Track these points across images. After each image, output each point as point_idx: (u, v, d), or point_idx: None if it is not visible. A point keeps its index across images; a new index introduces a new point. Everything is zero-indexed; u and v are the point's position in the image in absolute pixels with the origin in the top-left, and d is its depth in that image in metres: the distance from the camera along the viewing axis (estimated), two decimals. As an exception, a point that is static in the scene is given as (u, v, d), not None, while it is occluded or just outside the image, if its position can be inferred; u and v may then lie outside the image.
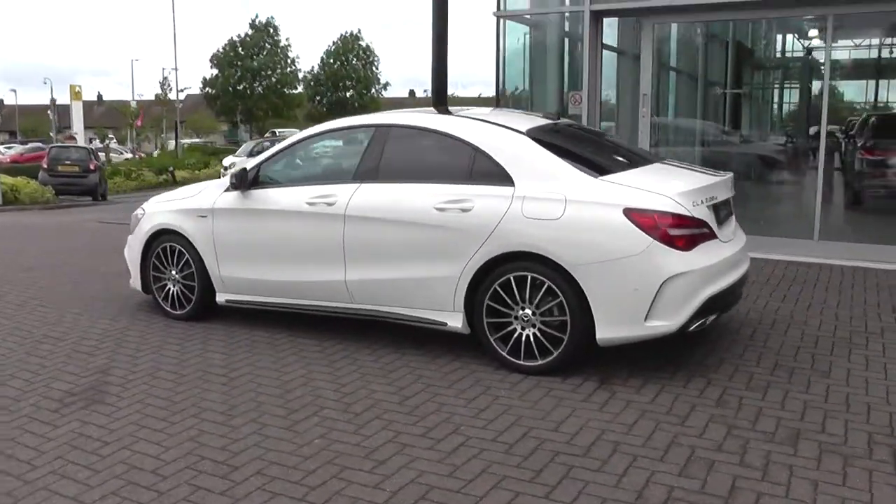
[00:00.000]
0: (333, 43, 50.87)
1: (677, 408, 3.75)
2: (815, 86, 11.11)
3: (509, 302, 4.25)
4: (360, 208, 4.64)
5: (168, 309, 5.61)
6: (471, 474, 3.11)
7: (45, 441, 3.53)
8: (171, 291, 5.58)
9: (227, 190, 5.25)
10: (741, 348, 4.62)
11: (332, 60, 50.06)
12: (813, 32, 10.14)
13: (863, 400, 3.83)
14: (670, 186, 4.14)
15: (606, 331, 4.05)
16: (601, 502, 2.88)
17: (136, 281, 5.81)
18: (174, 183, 25.55)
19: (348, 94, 50.09)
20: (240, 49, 44.76)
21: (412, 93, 68.42)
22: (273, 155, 5.18)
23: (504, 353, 4.30)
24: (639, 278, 3.96)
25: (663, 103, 9.74)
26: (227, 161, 25.08)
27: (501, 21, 8.59)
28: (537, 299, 4.16)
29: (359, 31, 53.14)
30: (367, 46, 50.85)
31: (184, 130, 44.42)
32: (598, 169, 4.30)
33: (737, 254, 4.40)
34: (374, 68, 51.40)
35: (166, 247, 5.54)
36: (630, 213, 3.98)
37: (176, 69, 48.08)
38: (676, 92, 10.63)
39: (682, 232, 3.97)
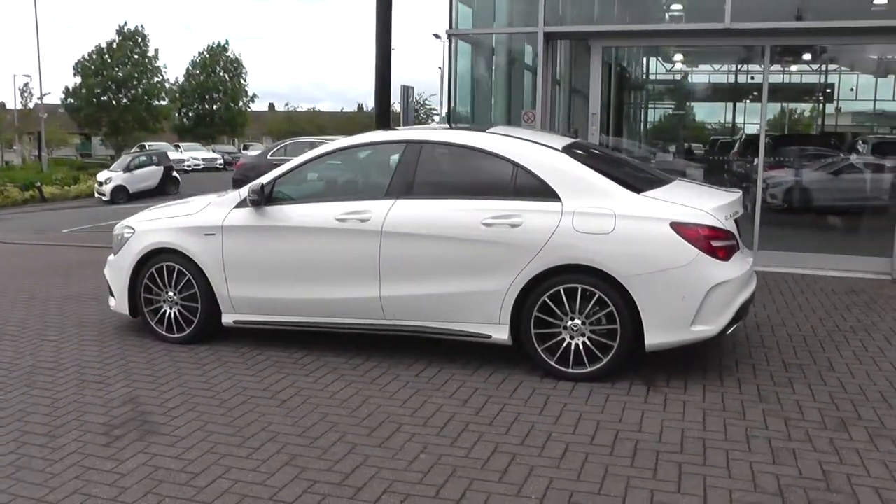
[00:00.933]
0: (200, 54, 48.98)
1: (730, 405, 4.08)
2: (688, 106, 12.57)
3: (558, 313, 4.44)
4: (399, 224, 4.64)
5: (163, 332, 5.27)
6: (597, 477, 3.26)
7: (120, 477, 3.26)
8: (167, 314, 5.26)
9: (237, 206, 5.05)
10: (745, 350, 5.05)
11: (198, 72, 47.99)
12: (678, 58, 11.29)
13: (874, 388, 4.35)
14: (703, 202, 4.51)
15: (655, 337, 4.32)
16: (728, 493, 3.13)
17: (121, 304, 5.41)
18: (43, 200, 23.45)
19: (215, 107, 48.18)
20: (106, 57, 41.87)
21: (272, 106, 67.33)
22: (289, 171, 5.03)
23: (552, 363, 4.46)
24: (686, 287, 4.27)
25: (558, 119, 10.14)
26: (101, 176, 23.44)
27: (453, 40, 8.81)
28: (587, 309, 4.39)
29: (226, 42, 51.53)
30: (236, 58, 49.31)
31: (33, 142, 40.89)
32: (635, 185, 4.59)
33: (751, 265, 4.83)
34: (241, 80, 49.85)
35: (162, 267, 5.22)
36: (677, 226, 4.29)
37: (40, 75, 44.82)
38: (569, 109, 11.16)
39: (721, 244, 4.34)
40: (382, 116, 8.74)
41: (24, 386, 4.40)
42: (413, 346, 4.93)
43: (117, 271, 5.43)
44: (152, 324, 5.31)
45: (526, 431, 3.73)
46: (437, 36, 56.70)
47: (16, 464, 3.39)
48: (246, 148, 44.80)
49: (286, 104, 75.38)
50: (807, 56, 14.14)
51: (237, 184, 16.84)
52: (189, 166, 35.69)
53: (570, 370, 4.44)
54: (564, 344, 4.43)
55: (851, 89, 18.55)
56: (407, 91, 47.01)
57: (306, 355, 4.90)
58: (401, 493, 3.11)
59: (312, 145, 16.86)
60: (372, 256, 4.70)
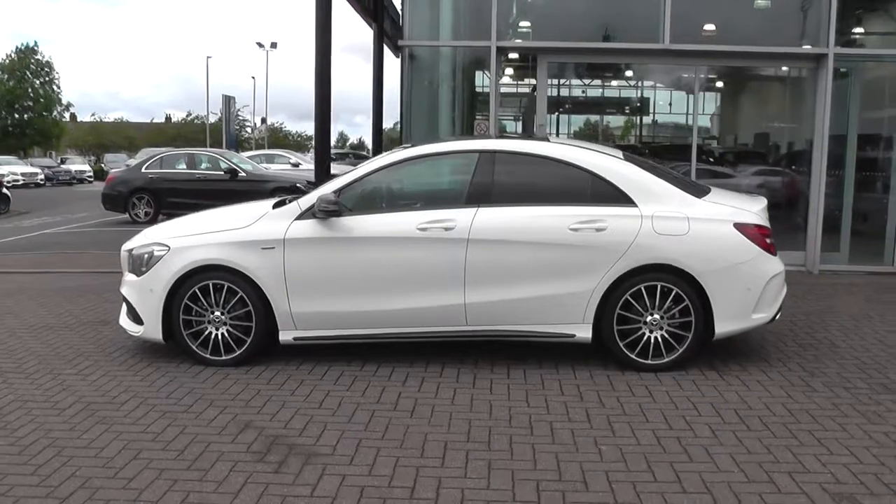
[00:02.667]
0: (7, 56, 43.53)
1: (796, 386, 4.65)
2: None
3: (638, 309, 4.77)
4: (486, 231, 4.72)
5: (206, 356, 4.90)
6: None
7: (332, 500, 3.07)
8: (212, 336, 4.90)
9: (299, 218, 4.85)
10: (759, 337, 5.69)
11: (6, 76, 42.61)
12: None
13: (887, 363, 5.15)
14: (748, 205, 5.05)
15: (723, 326, 4.78)
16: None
17: (152, 329, 4.94)
18: None
19: (26, 116, 43.02)
20: None
21: (73, 116, 61.59)
22: (352, 182, 4.92)
23: (633, 356, 4.79)
24: (750, 280, 4.78)
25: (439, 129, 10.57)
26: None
27: (407, 51, 8.88)
28: (666, 305, 4.76)
29: (35, 44, 46.31)
30: (47, 62, 44.40)
31: None
32: (694, 191, 5.04)
33: None
34: (55, 86, 45.10)
35: (208, 285, 4.86)
36: (739, 226, 4.79)
37: None
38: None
39: (770, 241, 4.92)
40: (323, 132, 8.65)
41: (94, 423, 3.92)
42: (471, 350, 5.05)
43: (146, 293, 4.96)
44: (193, 347, 4.92)
45: (691, 423, 4.02)
46: (260, 45, 55.33)
47: None
48: (63, 162, 40.57)
49: (92, 114, 69.40)
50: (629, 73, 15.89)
51: (108, 199, 15.48)
52: (9, 182, 31.68)
53: (649, 362, 4.78)
54: (644, 338, 4.79)
55: (669, 104, 21.00)
56: (228, 101, 45.50)
57: (369, 365, 4.83)
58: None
59: (192, 157, 15.91)
60: (457, 264, 4.74)
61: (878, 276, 8.20)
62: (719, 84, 11.19)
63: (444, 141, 5.17)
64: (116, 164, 37.69)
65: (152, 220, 14.58)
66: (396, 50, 21.64)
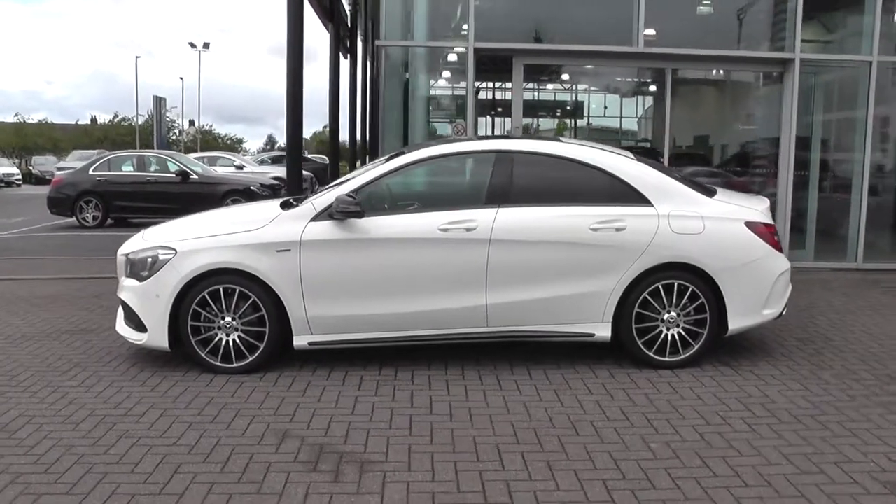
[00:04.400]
0: None
1: (809, 379, 4.81)
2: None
3: (656, 307, 4.83)
4: (508, 231, 4.69)
5: (217, 363, 4.70)
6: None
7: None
8: (223, 342, 4.70)
9: (315, 219, 4.70)
10: (758, 334, 5.83)
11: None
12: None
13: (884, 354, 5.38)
14: (754, 205, 5.19)
15: (736, 322, 4.89)
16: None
17: (158, 336, 4.69)
18: None
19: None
20: None
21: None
22: (369, 182, 4.80)
23: (651, 354, 4.84)
24: (761, 277, 4.90)
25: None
26: None
27: (384, 51, 8.76)
28: (682, 302, 4.84)
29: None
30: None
31: None
32: (704, 190, 5.14)
33: None
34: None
35: (218, 290, 4.66)
36: (750, 225, 4.91)
37: None
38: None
39: (777, 238, 5.06)
40: (294, 137, 8.51)
41: (124, 437, 3.69)
42: (480, 353, 5.02)
43: (150, 299, 4.71)
44: (202, 354, 4.70)
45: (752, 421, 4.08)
46: (192, 45, 53.79)
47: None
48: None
49: (15, 115, 65.82)
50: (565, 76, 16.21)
51: (54, 202, 14.68)
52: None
53: (666, 359, 4.84)
54: (661, 336, 4.85)
55: (605, 107, 21.56)
56: (159, 102, 44.18)
57: (385, 369, 4.73)
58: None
59: (141, 158, 15.26)
60: (479, 265, 4.69)
61: (844, 273, 8.58)
62: (653, 88, 11.44)
63: (459, 141, 5.11)
64: (45, 166, 35.89)
65: (100, 225, 13.95)
66: (346, 51, 21.54)
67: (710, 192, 5.13)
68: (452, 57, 8.99)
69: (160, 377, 4.65)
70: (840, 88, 9.23)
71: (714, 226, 4.85)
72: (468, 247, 4.68)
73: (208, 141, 62.28)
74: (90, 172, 14.35)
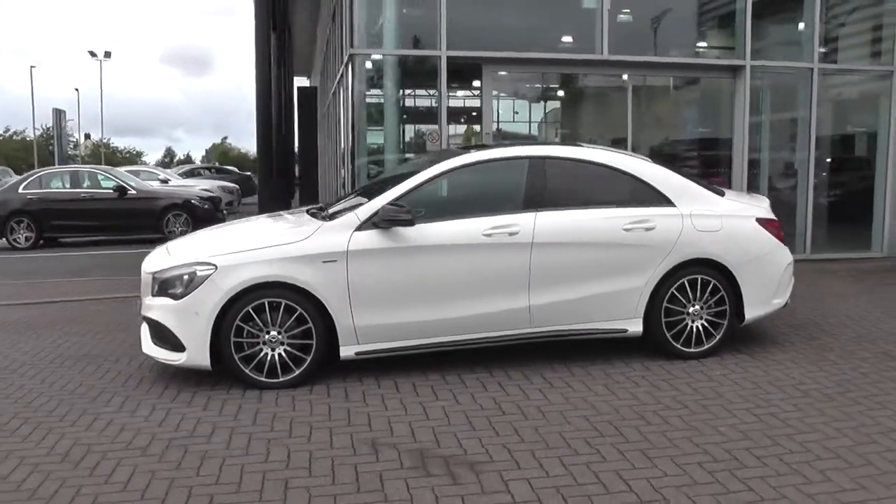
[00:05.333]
0: None
1: (821, 362, 5.21)
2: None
3: (682, 301, 5.11)
4: (548, 234, 4.84)
5: (262, 379, 4.62)
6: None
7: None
8: (268, 357, 4.62)
9: (360, 228, 4.70)
10: (758, 327, 6.19)
11: None
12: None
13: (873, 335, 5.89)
14: (759, 202, 5.59)
15: (751, 312, 5.24)
16: None
17: (198, 355, 4.56)
18: None
19: None
20: None
21: None
22: (410, 190, 4.84)
23: (678, 346, 5.12)
24: (771, 268, 5.29)
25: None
26: None
27: (356, 59, 8.74)
28: (704, 296, 5.14)
29: None
30: None
31: None
32: (716, 190, 5.47)
33: None
34: None
35: (263, 304, 4.58)
36: (760, 221, 5.30)
37: None
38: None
39: (781, 233, 5.46)
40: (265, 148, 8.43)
41: (208, 458, 3.59)
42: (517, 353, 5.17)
43: (189, 317, 4.57)
44: (247, 371, 4.61)
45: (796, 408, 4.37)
46: (92, 53, 51.26)
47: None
48: None
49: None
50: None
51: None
52: None
53: (693, 350, 5.14)
54: (687, 328, 5.14)
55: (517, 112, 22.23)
56: (59, 115, 42.31)
57: (431, 373, 4.80)
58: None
59: (75, 174, 14.43)
60: (522, 267, 4.82)
61: (797, 264, 9.24)
62: (560, 93, 11.85)
63: (491, 147, 5.22)
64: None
65: (34, 246, 13.14)
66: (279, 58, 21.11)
67: (720, 192, 5.48)
68: (424, 64, 9.08)
69: (204, 396, 4.53)
70: (779, 92, 9.96)
71: (729, 223, 5.20)
72: (511, 251, 4.82)
73: (107, 155, 59.39)
74: (20, 191, 13.49)
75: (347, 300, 4.65)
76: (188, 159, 78.95)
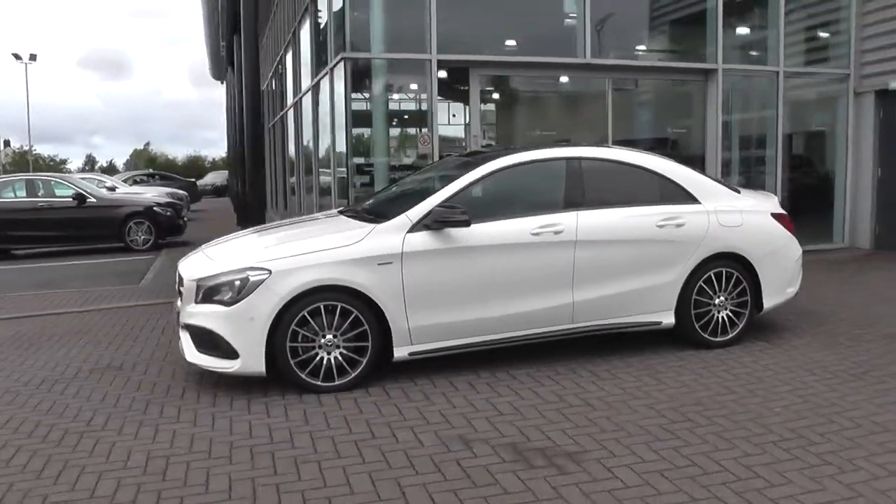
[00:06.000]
0: None
1: (835, 346, 5.57)
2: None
3: (709, 293, 5.38)
4: (590, 232, 5.02)
5: (318, 383, 4.62)
6: None
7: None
8: (324, 361, 4.63)
9: (412, 230, 4.76)
10: (768, 316, 6.45)
11: None
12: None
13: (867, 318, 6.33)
14: (770, 198, 5.92)
15: (769, 301, 5.57)
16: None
17: (253, 361, 4.53)
18: None
19: None
20: None
21: None
22: (459, 191, 4.92)
23: (706, 335, 5.39)
24: (785, 260, 5.63)
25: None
26: None
27: (348, 63, 8.73)
28: (728, 288, 5.43)
29: None
30: None
31: None
32: (732, 188, 5.77)
33: None
34: None
35: (319, 307, 4.58)
36: (775, 216, 5.63)
37: None
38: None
39: (792, 226, 5.81)
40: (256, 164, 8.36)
41: (306, 464, 3.59)
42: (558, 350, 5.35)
43: (243, 323, 4.53)
44: (303, 376, 4.60)
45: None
46: (17, 56, 48.72)
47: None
48: None
49: None
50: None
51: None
52: None
53: (719, 339, 5.42)
54: (714, 319, 5.42)
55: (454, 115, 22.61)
56: None
57: (482, 371, 4.91)
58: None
59: (31, 182, 13.75)
60: (567, 265, 4.99)
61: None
62: (496, 96, 12.14)
63: (528, 149, 5.35)
64: None
65: (-10, 257, 12.49)
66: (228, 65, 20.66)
67: (736, 190, 5.80)
68: (415, 68, 9.15)
69: (260, 403, 4.50)
70: (747, 94, 10.51)
71: (749, 218, 5.51)
72: (557, 249, 4.98)
73: (27, 162, 56.54)
74: (-33, 200, 12.80)
75: (402, 301, 4.71)
76: (112, 167, 76.06)
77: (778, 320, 6.22)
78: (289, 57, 14.86)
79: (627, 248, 5.15)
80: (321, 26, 10.56)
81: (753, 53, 10.28)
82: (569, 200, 5.14)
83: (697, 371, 4.92)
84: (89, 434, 4.10)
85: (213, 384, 4.88)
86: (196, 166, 64.91)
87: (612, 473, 3.37)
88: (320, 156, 11.23)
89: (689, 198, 5.41)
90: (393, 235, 4.75)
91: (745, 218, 5.50)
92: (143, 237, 13.25)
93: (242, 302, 4.55)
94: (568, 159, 5.27)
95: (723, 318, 5.43)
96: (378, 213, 5.18)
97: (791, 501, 3.10)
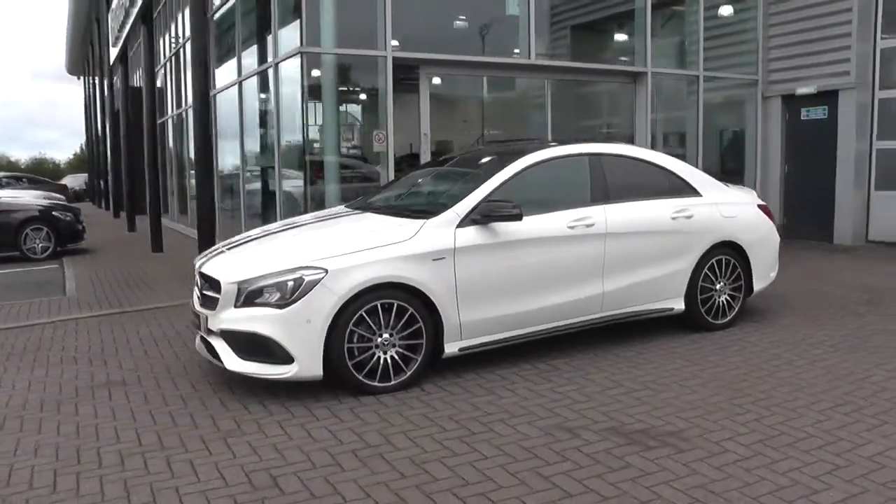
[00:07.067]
0: None
1: (834, 322, 6.15)
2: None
3: (712, 279, 5.78)
4: (618, 225, 5.25)
5: (375, 384, 4.52)
6: None
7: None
8: (380, 361, 4.52)
9: (461, 225, 4.75)
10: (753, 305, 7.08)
11: None
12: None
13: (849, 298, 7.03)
14: (749, 192, 6.43)
15: (758, 285, 6.07)
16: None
17: (311, 365, 4.34)
18: None
19: None
20: None
21: None
22: (498, 187, 4.96)
23: (710, 319, 5.80)
24: (770, 247, 6.16)
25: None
26: None
27: (305, 58, 8.44)
28: (727, 274, 5.86)
29: None
30: None
31: None
32: (723, 182, 6.21)
33: None
34: None
35: (376, 306, 4.46)
36: (760, 207, 6.15)
37: None
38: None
39: (772, 216, 6.33)
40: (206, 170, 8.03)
41: (430, 462, 3.52)
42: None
43: (299, 326, 4.33)
44: (360, 378, 4.48)
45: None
46: None
47: None
48: None
49: None
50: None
51: None
52: None
53: (720, 322, 5.85)
54: (716, 303, 5.83)
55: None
56: None
57: (521, 363, 5.01)
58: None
59: None
60: (598, 256, 5.18)
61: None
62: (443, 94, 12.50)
63: (553, 145, 5.48)
64: None
65: None
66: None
67: (725, 184, 6.27)
68: (369, 64, 9.02)
69: (322, 408, 4.32)
70: (670, 95, 11.28)
71: (743, 210, 5.99)
72: (590, 241, 5.16)
73: None
74: None
75: (454, 297, 4.70)
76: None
77: (751, 304, 6.77)
78: (186, 50, 14.13)
79: (648, 239, 5.43)
80: (260, 19, 10.14)
81: (677, 59, 11.06)
82: (595, 194, 5.34)
83: (717, 352, 5.28)
84: (152, 454, 3.76)
85: (247, 391, 4.64)
86: (42, 169, 59.44)
87: (723, 447, 3.59)
88: (247, 155, 10.79)
89: (692, 191, 5.79)
90: (444, 231, 4.73)
91: (740, 209, 5.97)
92: (41, 245, 12.05)
93: (298, 303, 4.35)
94: (590, 155, 5.47)
95: (722, 302, 5.87)
96: (411, 209, 5.14)
97: (883, 458, 3.46)
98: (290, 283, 4.38)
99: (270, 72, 9.41)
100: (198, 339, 4.95)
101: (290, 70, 8.80)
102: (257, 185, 10.77)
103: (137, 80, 19.96)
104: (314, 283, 4.37)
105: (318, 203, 8.69)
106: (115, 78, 21.67)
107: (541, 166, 5.26)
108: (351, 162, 9.59)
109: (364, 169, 9.50)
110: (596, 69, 10.38)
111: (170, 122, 17.30)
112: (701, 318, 5.78)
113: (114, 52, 20.01)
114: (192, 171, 16.32)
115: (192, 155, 15.66)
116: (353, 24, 8.98)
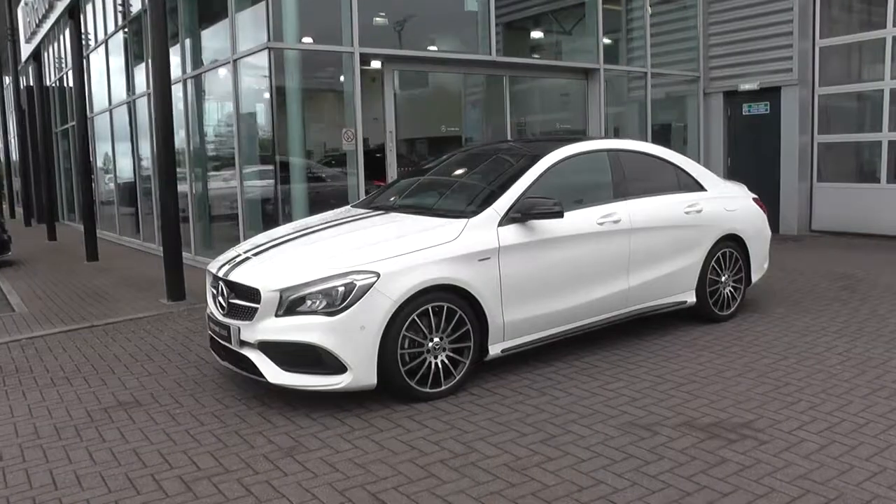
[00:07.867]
0: None
1: (826, 311, 6.48)
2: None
3: (718, 271, 5.97)
4: (640, 221, 5.33)
5: (427, 390, 4.40)
6: None
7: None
8: (432, 366, 4.38)
9: (502, 224, 4.67)
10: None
11: None
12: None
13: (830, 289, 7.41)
14: (741, 186, 6.66)
15: (755, 276, 6.34)
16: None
17: (365, 374, 4.16)
18: None
19: None
20: None
21: None
22: (533, 183, 4.92)
23: (717, 311, 5.99)
24: (765, 239, 6.43)
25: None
26: None
27: (273, 53, 8.04)
28: (730, 266, 6.07)
29: None
30: None
31: None
32: (719, 177, 6.41)
33: None
34: None
35: (427, 309, 4.33)
36: (755, 201, 6.40)
37: None
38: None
39: (765, 209, 6.58)
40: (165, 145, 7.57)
41: (533, 468, 3.43)
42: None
43: (353, 333, 4.14)
44: (412, 384, 4.33)
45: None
46: None
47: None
48: None
49: None
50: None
51: None
52: None
53: (725, 313, 6.06)
54: (722, 295, 6.03)
55: None
56: None
57: (556, 363, 5.01)
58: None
59: None
60: (624, 252, 5.24)
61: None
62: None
63: (570, 142, 5.45)
64: None
65: None
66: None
67: (723, 179, 6.49)
68: (335, 60, 8.73)
69: (377, 417, 4.16)
70: (620, 91, 11.60)
71: (742, 203, 6.23)
72: (617, 237, 5.22)
73: None
74: None
75: (499, 297, 4.63)
76: None
77: (760, 296, 7.01)
78: (117, 42, 13.24)
79: (666, 233, 5.55)
80: (213, 14, 9.59)
81: (627, 56, 11.38)
82: (616, 190, 5.40)
83: (735, 343, 5.46)
84: (218, 477, 3.49)
85: (285, 404, 4.41)
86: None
87: (798, 437, 3.72)
88: (193, 155, 10.23)
89: (698, 186, 5.96)
90: (487, 229, 4.64)
91: (740, 203, 6.20)
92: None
93: (350, 310, 4.14)
94: (609, 151, 5.53)
95: (726, 294, 6.09)
96: (443, 209, 5.01)
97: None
98: (341, 289, 4.17)
99: (227, 68, 8.92)
100: (215, 352, 4.64)
101: (254, 66, 8.39)
102: (217, 187, 10.18)
103: (50, 78, 18.44)
104: (366, 288, 4.18)
105: (286, 203, 8.36)
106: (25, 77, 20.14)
107: (566, 162, 5.26)
108: (317, 166, 9.29)
109: (334, 168, 9.22)
110: (552, 66, 10.53)
111: (92, 123, 16.12)
112: (709, 310, 5.96)
113: (26, 50, 18.46)
114: (109, 176, 15.41)
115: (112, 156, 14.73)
116: (318, 20, 8.66)
